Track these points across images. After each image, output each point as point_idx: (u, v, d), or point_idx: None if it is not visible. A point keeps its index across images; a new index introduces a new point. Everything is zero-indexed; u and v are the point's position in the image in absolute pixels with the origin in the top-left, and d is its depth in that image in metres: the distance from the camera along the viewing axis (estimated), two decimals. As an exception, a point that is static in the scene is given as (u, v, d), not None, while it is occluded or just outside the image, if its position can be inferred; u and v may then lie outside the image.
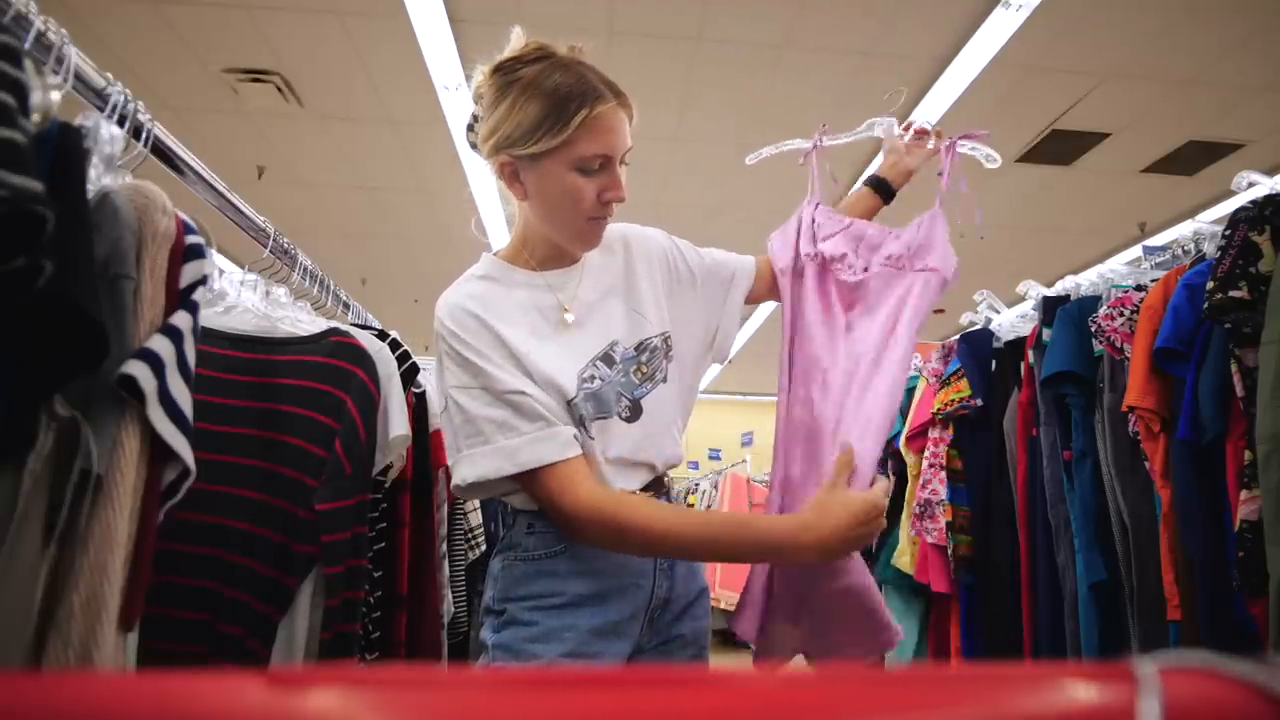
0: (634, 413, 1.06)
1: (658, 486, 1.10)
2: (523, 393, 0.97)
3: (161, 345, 0.80)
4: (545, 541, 1.02)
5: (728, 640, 5.96)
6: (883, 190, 1.39)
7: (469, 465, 0.97)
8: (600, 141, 0.97)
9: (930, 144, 1.37)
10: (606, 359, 1.06)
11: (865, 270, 1.24)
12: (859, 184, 1.43)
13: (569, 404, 1.00)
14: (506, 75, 0.98)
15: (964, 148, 1.35)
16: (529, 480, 0.97)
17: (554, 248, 1.09)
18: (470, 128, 1.08)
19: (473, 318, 1.00)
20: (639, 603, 1.03)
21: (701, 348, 1.20)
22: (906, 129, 1.39)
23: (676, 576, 1.08)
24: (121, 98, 0.91)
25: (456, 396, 0.99)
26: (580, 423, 1.00)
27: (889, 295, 1.22)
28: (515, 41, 1.01)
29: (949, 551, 2.15)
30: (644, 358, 1.09)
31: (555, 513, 0.97)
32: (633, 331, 1.10)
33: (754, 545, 0.98)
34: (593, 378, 1.03)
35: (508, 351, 1.00)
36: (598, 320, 1.09)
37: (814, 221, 1.32)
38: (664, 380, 1.10)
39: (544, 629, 0.98)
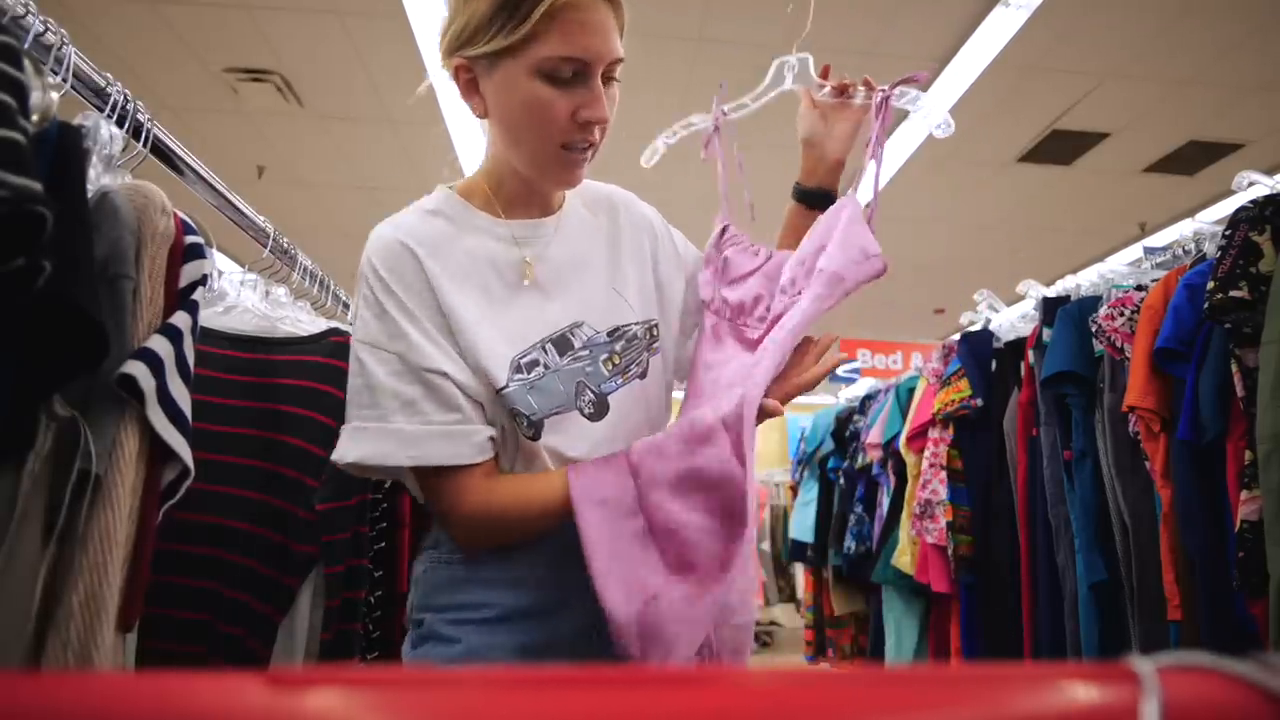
0: (599, 410, 0.88)
1: None
2: (444, 374, 0.80)
3: (160, 345, 0.80)
4: None
5: (728, 640, 5.94)
6: (810, 198, 1.04)
7: (352, 440, 0.80)
8: (571, 41, 0.77)
9: (858, 99, 1.00)
10: (561, 343, 0.87)
11: (777, 318, 0.93)
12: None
13: (497, 394, 0.83)
14: None
15: (902, 100, 0.98)
16: (423, 476, 0.82)
17: (524, 187, 0.90)
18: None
19: (410, 261, 0.82)
20: (579, 617, 0.84)
21: (677, 350, 1.03)
22: (825, 76, 1.03)
23: None
24: (121, 97, 0.91)
25: (363, 354, 0.81)
26: (512, 417, 0.83)
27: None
28: None
29: (949, 551, 2.15)
30: (618, 346, 0.91)
31: (447, 521, 0.84)
32: (608, 314, 0.91)
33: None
34: (534, 364, 0.85)
35: (441, 317, 0.82)
36: (565, 291, 0.90)
37: (721, 254, 1.02)
38: (641, 376, 0.92)
39: (467, 647, 0.82)
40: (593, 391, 0.88)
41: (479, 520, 0.82)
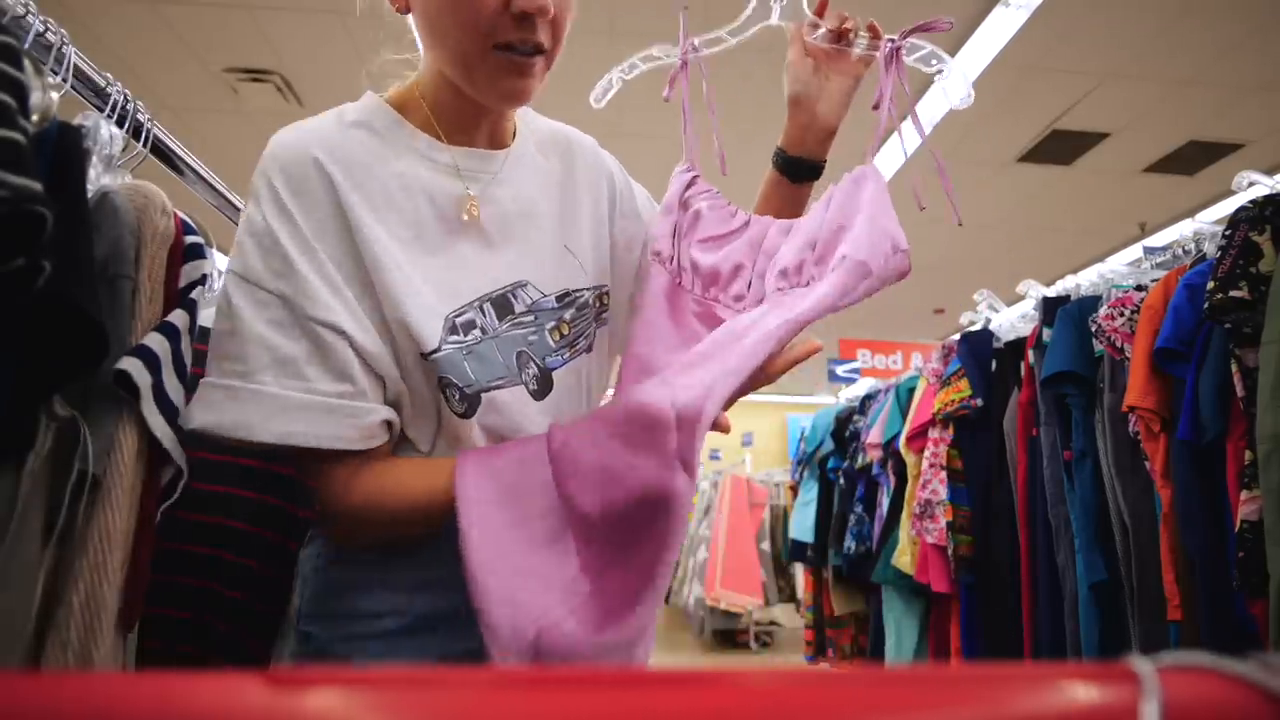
0: (542, 387, 0.74)
1: None
2: (340, 331, 0.64)
3: (157, 343, 0.80)
4: None
5: (727, 640, 5.96)
6: (795, 168, 0.87)
7: (201, 405, 0.64)
8: None
9: (859, 49, 0.82)
10: (501, 304, 0.72)
11: (759, 301, 0.76)
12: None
13: (424, 358, 0.67)
14: None
15: (915, 56, 0.81)
16: (298, 455, 0.65)
17: (468, 107, 0.74)
18: None
19: (318, 179, 0.66)
20: None
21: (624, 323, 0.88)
22: (820, 12, 0.85)
23: None
24: (121, 97, 0.91)
25: (234, 292, 0.64)
26: (441, 389, 0.68)
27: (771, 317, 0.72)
28: None
29: (949, 551, 2.15)
30: (568, 314, 0.77)
31: (324, 514, 0.70)
32: (558, 275, 0.77)
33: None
34: (471, 325, 0.70)
35: (352, 258, 0.66)
36: (510, 242, 0.75)
37: (688, 206, 0.84)
38: (588, 350, 0.79)
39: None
40: (537, 365, 0.74)
41: (361, 518, 0.67)
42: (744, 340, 0.67)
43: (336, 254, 0.66)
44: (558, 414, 0.75)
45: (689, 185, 0.85)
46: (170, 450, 0.81)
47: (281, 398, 0.63)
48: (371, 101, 0.75)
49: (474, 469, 0.66)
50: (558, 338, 0.76)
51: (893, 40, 0.80)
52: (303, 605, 0.73)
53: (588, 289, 0.80)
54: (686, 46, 0.90)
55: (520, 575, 0.62)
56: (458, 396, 0.68)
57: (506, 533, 0.63)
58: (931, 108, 3.92)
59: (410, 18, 0.73)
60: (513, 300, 0.74)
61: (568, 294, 0.78)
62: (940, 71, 0.80)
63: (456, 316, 0.69)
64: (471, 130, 0.76)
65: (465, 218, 0.72)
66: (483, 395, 0.69)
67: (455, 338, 0.68)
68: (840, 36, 0.83)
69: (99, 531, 0.73)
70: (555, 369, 0.76)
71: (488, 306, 0.72)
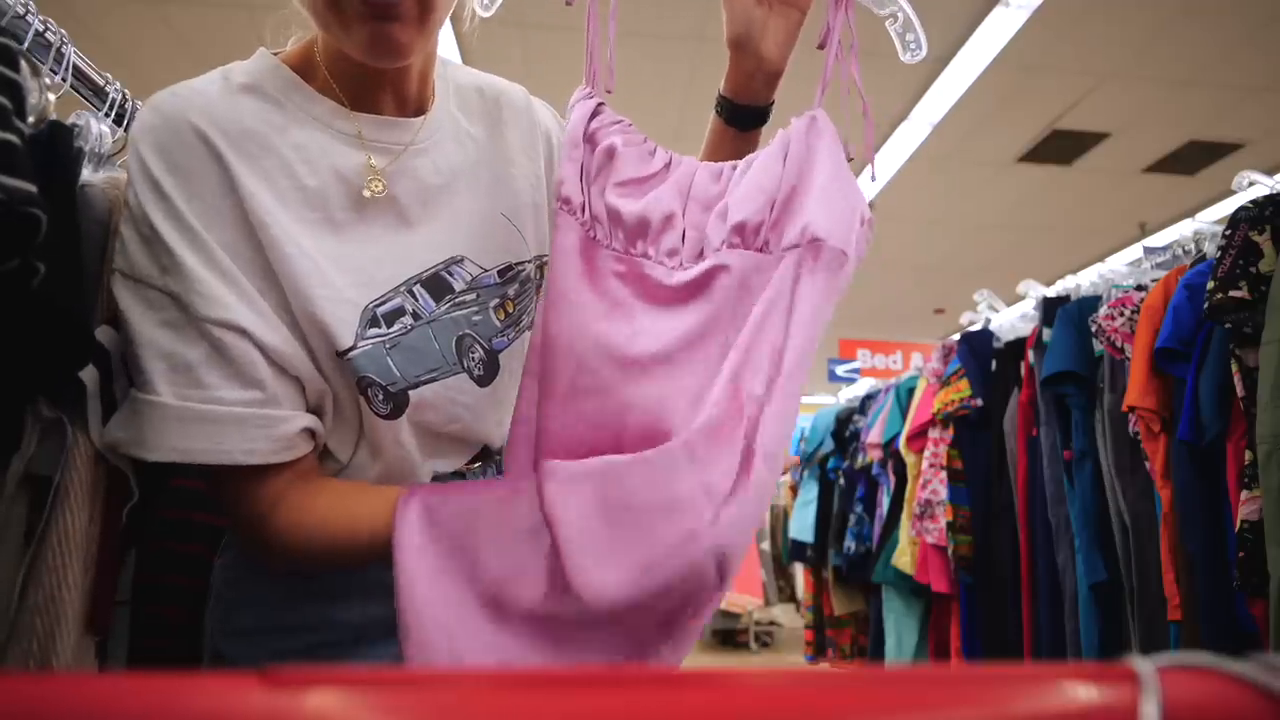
0: (489, 371, 0.68)
1: (486, 458, 0.72)
2: (240, 330, 0.56)
3: (109, 338, 0.72)
4: None
5: (727, 640, 5.97)
6: (742, 117, 0.76)
7: (114, 419, 0.60)
8: None
9: None
10: (435, 284, 0.65)
11: (698, 256, 0.63)
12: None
13: (340, 357, 0.60)
14: None
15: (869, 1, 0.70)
16: (210, 476, 0.59)
17: (351, 65, 0.63)
18: None
19: (200, 153, 0.57)
20: None
21: None
22: None
23: None
24: (119, 96, 0.91)
25: (122, 294, 0.57)
26: (361, 390, 0.61)
27: (741, 311, 0.61)
28: None
29: (949, 551, 2.15)
30: (511, 290, 0.70)
31: (243, 540, 0.63)
32: (498, 246, 0.70)
33: None
34: (399, 313, 0.62)
35: (246, 242, 0.58)
36: (434, 217, 0.67)
37: (595, 142, 0.67)
38: (530, 327, 0.72)
39: None
40: (482, 347, 0.67)
41: (287, 546, 0.59)
42: (769, 409, 0.57)
43: (230, 240, 0.57)
44: (503, 398, 0.69)
45: (594, 114, 0.69)
46: (104, 453, 0.70)
47: (177, 409, 0.55)
48: (264, 61, 0.64)
49: (413, 511, 0.58)
50: (502, 316, 0.69)
51: None
52: (215, 624, 0.66)
53: (529, 260, 0.72)
54: None
55: (463, 638, 0.55)
56: (381, 396, 0.61)
57: (448, 584, 0.56)
58: (931, 108, 3.93)
59: None
60: (448, 279, 0.66)
61: (510, 268, 0.70)
62: (893, 17, 0.71)
63: (378, 306, 0.61)
64: (375, 93, 0.65)
65: (367, 194, 0.62)
66: (410, 393, 0.62)
67: (376, 330, 0.61)
68: None
69: (57, 534, 0.69)
70: (501, 350, 0.69)
71: (419, 289, 0.64)
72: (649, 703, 0.22)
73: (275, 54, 0.66)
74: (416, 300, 0.64)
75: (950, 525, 2.14)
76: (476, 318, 0.67)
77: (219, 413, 0.56)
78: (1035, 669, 0.23)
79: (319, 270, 0.59)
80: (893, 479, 2.67)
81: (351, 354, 0.59)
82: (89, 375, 0.70)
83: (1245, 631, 1.27)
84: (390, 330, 0.62)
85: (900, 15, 0.71)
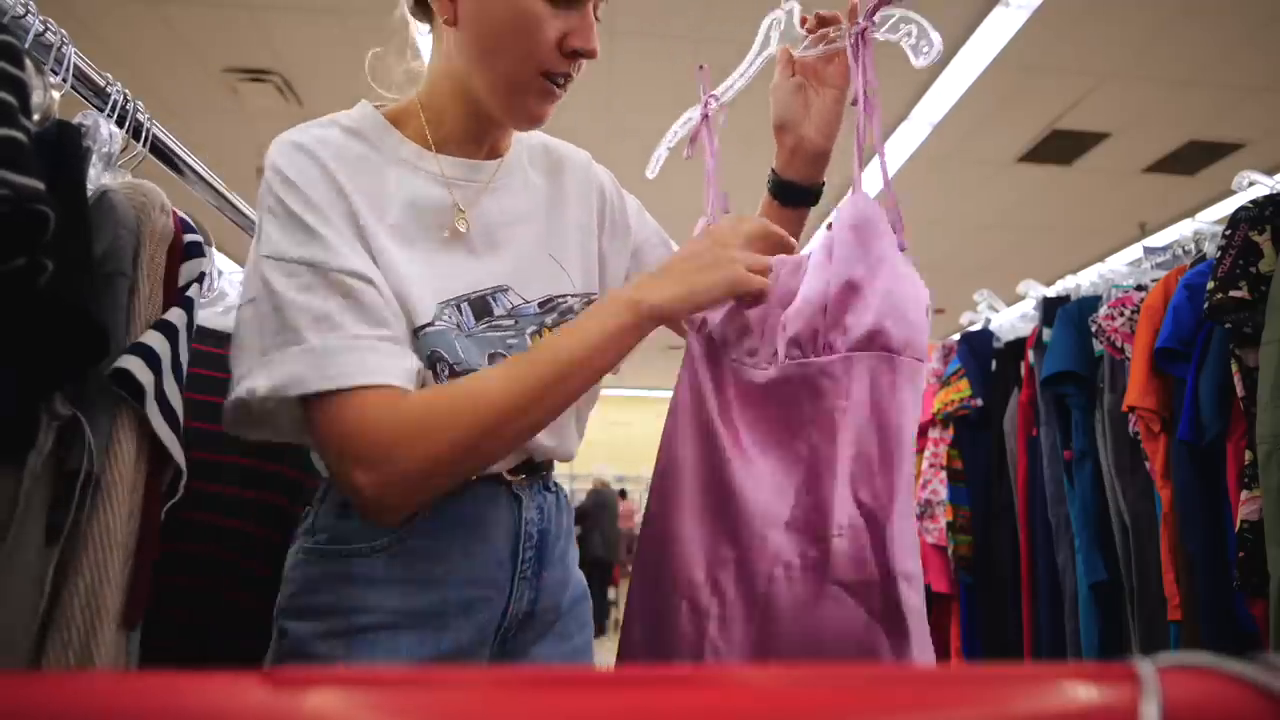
0: None
1: (531, 470, 0.80)
2: (367, 279, 0.67)
3: (157, 342, 0.79)
4: (363, 531, 0.72)
5: (728, 640, 5.95)
6: (786, 192, 0.86)
7: (263, 372, 0.65)
8: None
9: (843, 40, 0.77)
10: (479, 306, 0.75)
11: (773, 356, 0.72)
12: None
13: (415, 334, 0.70)
14: None
15: (885, 27, 0.74)
16: (333, 409, 0.63)
17: (471, 123, 0.78)
18: None
19: (313, 167, 0.70)
20: (486, 623, 0.74)
21: None
22: (806, 25, 0.82)
23: (543, 586, 0.79)
24: (121, 97, 0.91)
25: (267, 272, 0.66)
26: (431, 363, 0.70)
27: (820, 412, 0.67)
28: None
29: (949, 551, 2.15)
30: (550, 320, 0.79)
31: (371, 442, 0.63)
32: (544, 281, 0.80)
33: (584, 329, 0.69)
34: (449, 317, 0.73)
35: (356, 224, 0.70)
36: (493, 251, 0.78)
37: None
38: None
39: None
40: None
41: (417, 430, 0.63)
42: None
43: (346, 222, 0.70)
44: None
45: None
46: (171, 451, 0.81)
47: (326, 348, 0.64)
48: (365, 110, 0.79)
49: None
50: (537, 341, 0.77)
51: (858, 25, 0.75)
52: (281, 602, 0.74)
53: (573, 295, 0.82)
54: (708, 100, 0.92)
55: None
56: (447, 374, 0.70)
57: None
58: (931, 108, 3.92)
59: (443, 32, 0.77)
60: (492, 304, 0.76)
61: (551, 300, 0.80)
62: (907, 34, 0.73)
63: (443, 304, 0.73)
64: (474, 142, 0.80)
65: (447, 234, 0.75)
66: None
67: (446, 318, 0.72)
68: (822, 38, 0.80)
69: (99, 531, 0.73)
70: None
71: (465, 306, 0.74)
72: (649, 703, 0.22)
73: (377, 106, 0.80)
74: (461, 315, 0.74)
75: (950, 525, 2.14)
76: (512, 340, 0.76)
77: (359, 343, 0.65)
78: (1035, 669, 0.23)
79: (402, 270, 0.71)
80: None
81: (428, 329, 0.70)
82: (146, 377, 0.74)
83: (1245, 631, 1.27)
84: (450, 323, 0.72)
85: (914, 29, 0.72)
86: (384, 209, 0.72)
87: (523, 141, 0.86)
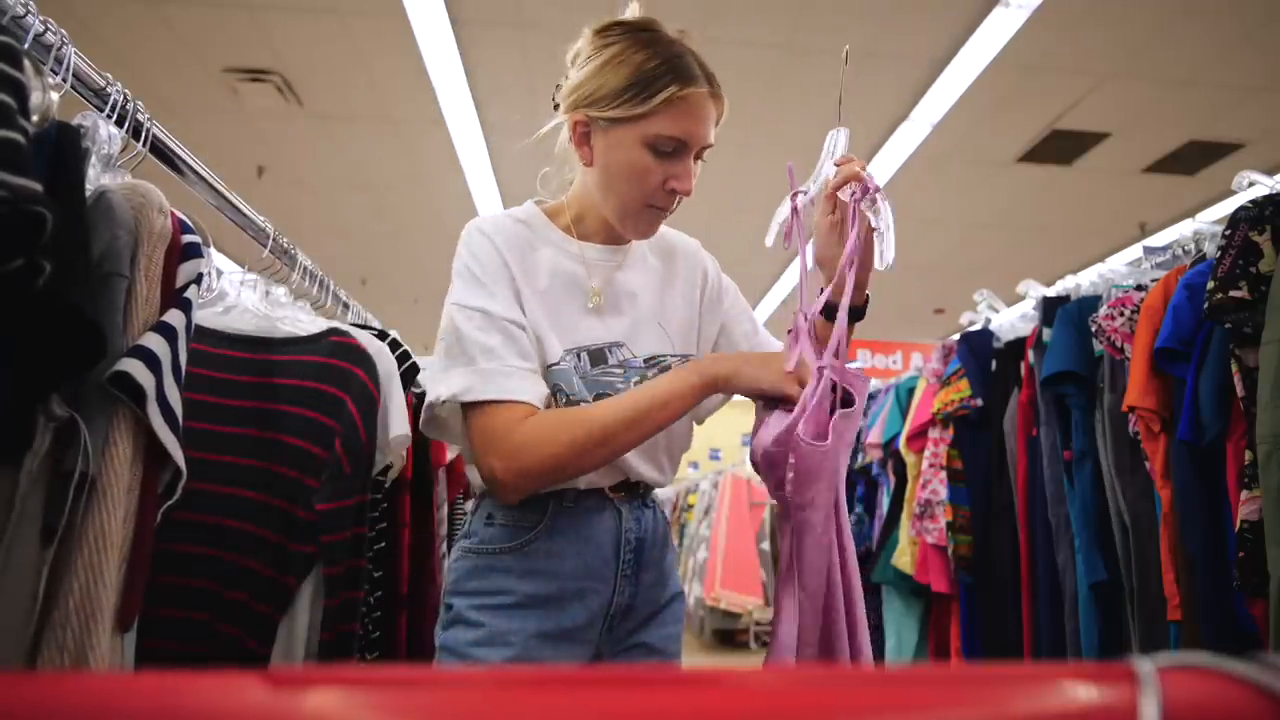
0: None
1: (629, 489, 1.02)
2: (521, 325, 0.94)
3: (157, 344, 0.79)
4: (502, 535, 0.96)
5: (727, 640, 5.96)
6: (834, 314, 0.99)
7: (443, 383, 0.93)
8: (680, 124, 0.93)
9: (846, 194, 0.93)
10: (596, 355, 0.99)
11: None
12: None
13: (546, 370, 0.96)
14: (607, 37, 0.95)
15: (872, 208, 0.89)
16: (487, 416, 0.89)
17: (604, 223, 1.03)
18: (558, 86, 1.00)
19: (489, 245, 0.97)
20: (595, 609, 0.97)
21: None
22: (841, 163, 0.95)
23: (641, 584, 1.01)
24: (121, 97, 0.91)
25: (455, 315, 0.94)
26: (553, 393, 0.95)
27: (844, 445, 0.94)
28: (628, 11, 0.98)
29: (949, 551, 2.15)
30: (652, 373, 1.01)
31: (507, 438, 0.88)
32: (652, 342, 1.03)
33: (667, 382, 0.93)
34: (570, 360, 0.98)
35: (514, 287, 0.96)
36: (616, 315, 1.03)
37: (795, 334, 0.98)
38: None
39: (489, 631, 0.93)
40: None
41: (539, 436, 0.88)
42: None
43: (508, 288, 0.95)
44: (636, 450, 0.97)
45: (810, 330, 1.00)
46: (172, 453, 0.81)
47: (492, 370, 0.90)
48: (530, 208, 1.05)
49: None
50: (635, 387, 0.98)
51: (854, 194, 0.90)
52: (447, 586, 0.99)
53: (673, 355, 1.04)
54: (796, 194, 1.03)
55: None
56: (564, 401, 0.95)
57: None
58: (931, 108, 3.92)
59: (585, 166, 1.00)
60: (608, 354, 1.00)
61: (655, 357, 1.03)
62: (879, 233, 0.86)
63: (567, 349, 0.97)
64: (604, 236, 1.05)
65: (590, 305, 1.00)
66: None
67: (569, 359, 0.97)
68: (835, 192, 0.94)
69: (94, 531, 0.73)
70: None
71: (584, 354, 0.98)
72: (650, 703, 0.22)
73: (538, 203, 1.07)
74: (580, 361, 0.98)
75: (950, 525, 2.14)
76: (620, 385, 0.98)
77: (511, 370, 0.91)
78: (1035, 669, 0.23)
79: (541, 320, 0.96)
80: (892, 479, 2.67)
81: (554, 368, 0.96)
82: (147, 380, 0.74)
83: (1245, 631, 1.27)
84: (563, 364, 0.96)
85: (885, 233, 0.86)
86: (536, 278, 0.98)
87: None
